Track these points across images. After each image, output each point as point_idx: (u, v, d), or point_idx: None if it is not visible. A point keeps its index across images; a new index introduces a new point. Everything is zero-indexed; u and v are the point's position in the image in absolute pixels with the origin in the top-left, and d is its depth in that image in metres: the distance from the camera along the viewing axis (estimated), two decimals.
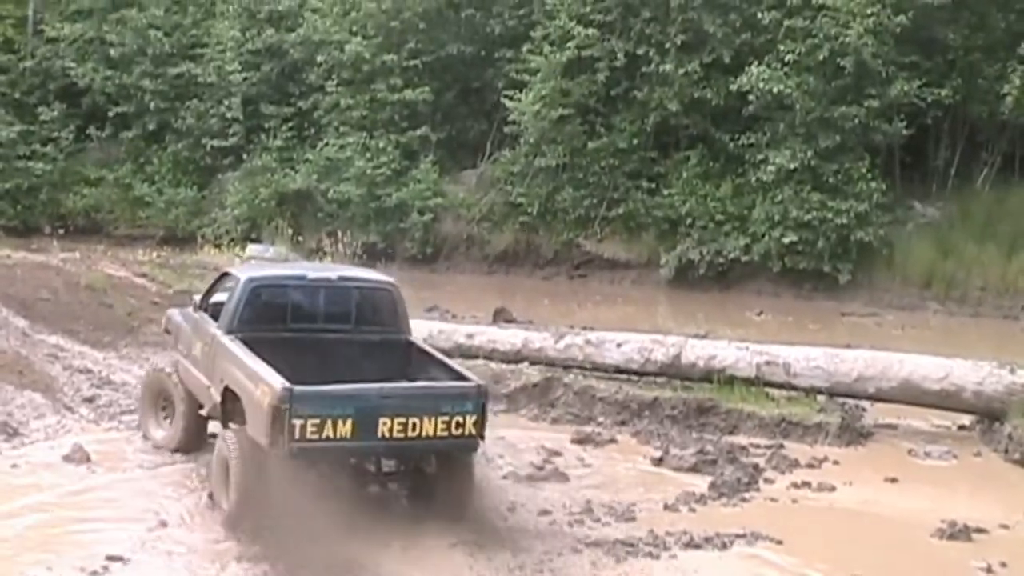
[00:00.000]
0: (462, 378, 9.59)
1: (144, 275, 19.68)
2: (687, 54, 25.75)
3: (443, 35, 28.58)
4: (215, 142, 29.81)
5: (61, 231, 29.34)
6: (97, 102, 31.20)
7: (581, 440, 12.37)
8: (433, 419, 8.94)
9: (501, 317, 17.76)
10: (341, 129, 28.50)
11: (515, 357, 14.66)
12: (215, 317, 10.31)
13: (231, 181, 29.40)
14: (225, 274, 11.29)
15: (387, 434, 8.82)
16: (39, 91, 31.61)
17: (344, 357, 9.84)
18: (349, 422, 8.68)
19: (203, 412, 10.38)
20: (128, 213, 30.78)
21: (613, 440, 12.58)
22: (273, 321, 10.16)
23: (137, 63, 30.53)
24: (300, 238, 27.54)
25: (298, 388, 8.44)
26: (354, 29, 28.60)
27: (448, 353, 12.21)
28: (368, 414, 8.73)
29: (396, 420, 8.83)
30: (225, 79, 29.51)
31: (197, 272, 20.29)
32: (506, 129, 27.38)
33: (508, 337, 15.06)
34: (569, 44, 26.03)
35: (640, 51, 26.13)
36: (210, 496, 9.55)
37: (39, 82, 31.66)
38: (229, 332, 9.81)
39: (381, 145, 27.70)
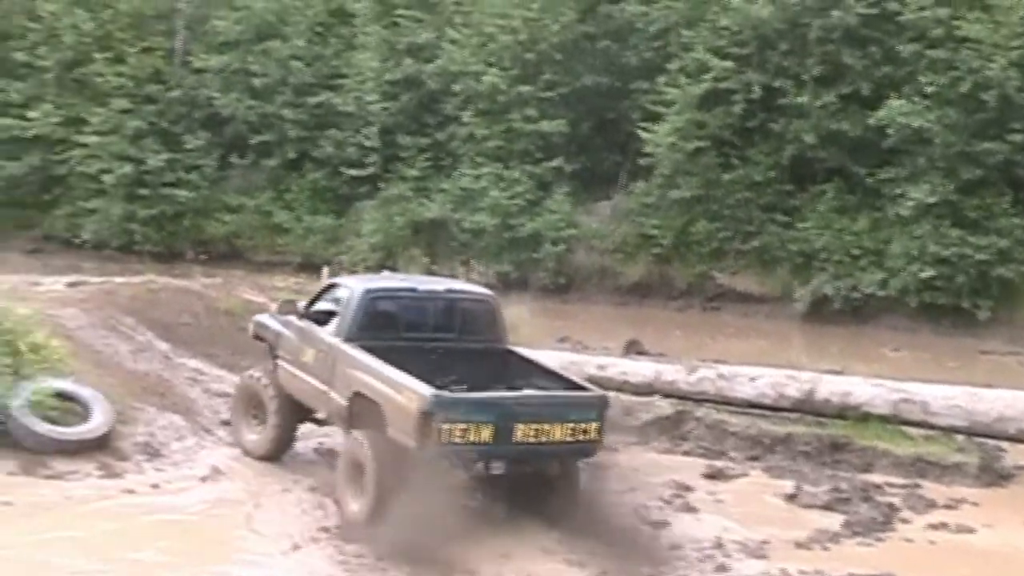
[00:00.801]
0: (576, 386, 11.07)
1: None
2: (824, 86, 27.20)
3: (579, 66, 30.55)
4: (353, 171, 32.22)
5: (203, 257, 32.08)
6: (240, 131, 33.94)
7: (712, 474, 12.70)
8: (562, 426, 10.34)
9: (633, 349, 18.73)
10: (476, 159, 30.69)
11: (647, 389, 15.18)
12: (319, 325, 11.68)
13: (367, 209, 31.79)
14: (332, 285, 12.71)
15: (522, 439, 10.14)
16: (185, 120, 34.53)
17: (451, 364, 11.06)
18: (490, 427, 9.97)
19: (320, 416, 11.86)
20: (267, 240, 33.37)
21: (745, 475, 12.88)
22: (387, 330, 11.47)
23: (279, 93, 33.21)
24: (434, 267, 29.50)
25: (446, 395, 9.76)
26: (491, 60, 30.80)
27: None
28: (506, 420, 10.03)
29: (530, 426, 10.16)
30: (364, 109, 32.04)
31: None
32: (640, 161, 29.16)
33: (640, 369, 15.66)
34: (705, 76, 27.76)
35: (777, 83, 27.67)
36: (336, 503, 10.65)
37: (185, 112, 34.60)
38: (348, 340, 11.10)
39: (516, 176, 29.80)
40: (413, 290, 12.39)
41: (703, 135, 27.77)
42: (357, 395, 10.88)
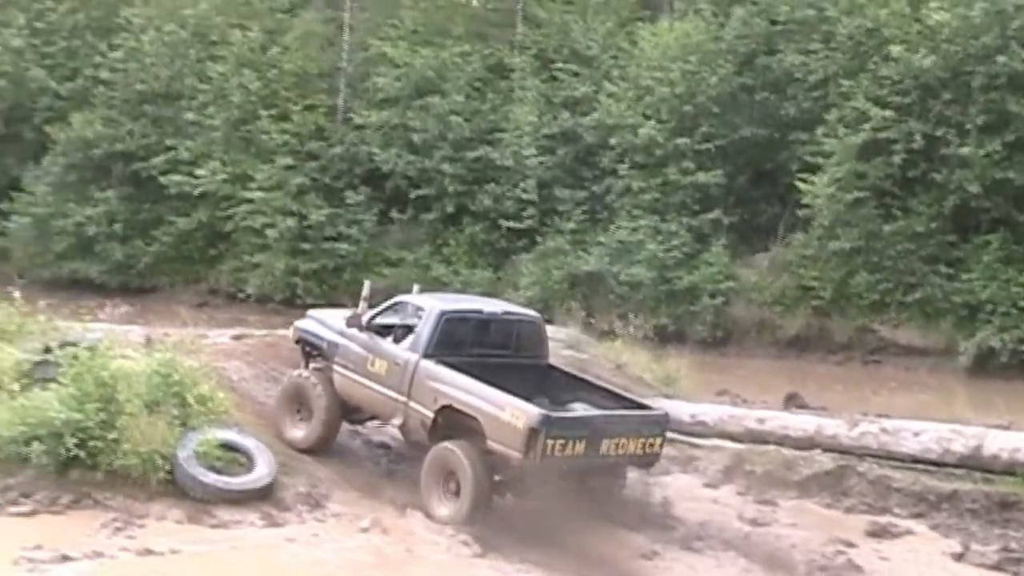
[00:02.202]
0: (635, 404, 14.25)
1: None
2: (989, 135, 29.38)
3: (736, 118, 33.52)
4: (510, 224, 35.43)
5: None
6: (399, 185, 37.54)
7: (876, 532, 13.21)
8: (636, 440, 13.43)
9: (793, 403, 19.47)
10: (633, 212, 33.64)
11: (807, 444, 15.91)
12: (384, 337, 14.53)
13: (525, 263, 34.83)
14: (399, 302, 15.32)
15: (606, 452, 13.15)
16: (346, 176, 38.45)
17: (508, 377, 13.54)
18: (583, 442, 12.83)
19: (394, 423, 14.35)
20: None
21: (910, 533, 13.33)
22: (457, 347, 14.18)
23: (438, 148, 36.67)
24: (592, 320, 31.79)
25: (553, 414, 12.72)
26: (647, 113, 33.93)
27: (739, 438, 16.23)
28: (596, 436, 12.98)
29: (614, 441, 13.20)
30: (521, 162, 35.45)
31: None
32: (799, 212, 31.76)
33: (800, 423, 16.43)
34: (865, 126, 30.27)
35: (939, 132, 29.98)
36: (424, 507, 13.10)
37: (346, 167, 38.56)
38: (427, 356, 13.86)
39: (673, 228, 32.67)
40: (480, 312, 15.34)
41: (863, 185, 30.18)
42: (446, 408, 13.62)
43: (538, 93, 35.98)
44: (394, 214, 37.66)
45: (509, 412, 12.99)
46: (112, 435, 13.96)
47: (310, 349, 15.87)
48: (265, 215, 37.13)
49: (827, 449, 15.58)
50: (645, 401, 14.86)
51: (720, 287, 31.59)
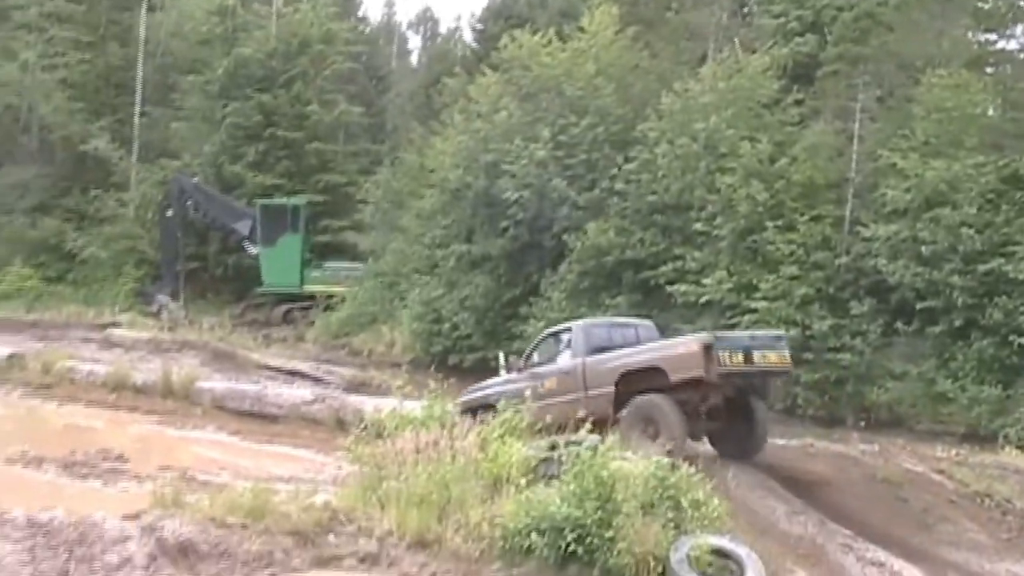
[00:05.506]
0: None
1: (941, 471, 23.20)
2: None
3: None
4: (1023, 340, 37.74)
5: (863, 423, 37.86)
6: (905, 297, 40.80)
7: None
8: (776, 352, 22.25)
9: None
10: None
11: None
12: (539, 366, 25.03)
13: None
14: (546, 336, 26.48)
15: (758, 361, 21.66)
16: (851, 287, 42.59)
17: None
18: (740, 354, 21.33)
19: (580, 416, 19.46)
20: (929, 409, 39.20)
21: None
22: (600, 347, 24.02)
23: (947, 260, 39.66)
24: None
25: (719, 334, 22.91)
26: None
27: None
28: (749, 350, 21.64)
29: (762, 352, 21.88)
30: None
31: (996, 473, 23.77)
32: None
33: None
34: None
35: None
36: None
37: (852, 278, 42.67)
38: (587, 355, 23.77)
39: None
40: (610, 324, 26.27)
41: None
42: (624, 375, 22.13)
43: None
44: (899, 326, 40.63)
45: (683, 346, 21.77)
46: (608, 533, 15.19)
47: (478, 409, 22.73)
48: (769, 324, 40.59)
49: None
50: None
51: None
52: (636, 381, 22.07)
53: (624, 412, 21.76)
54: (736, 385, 22.38)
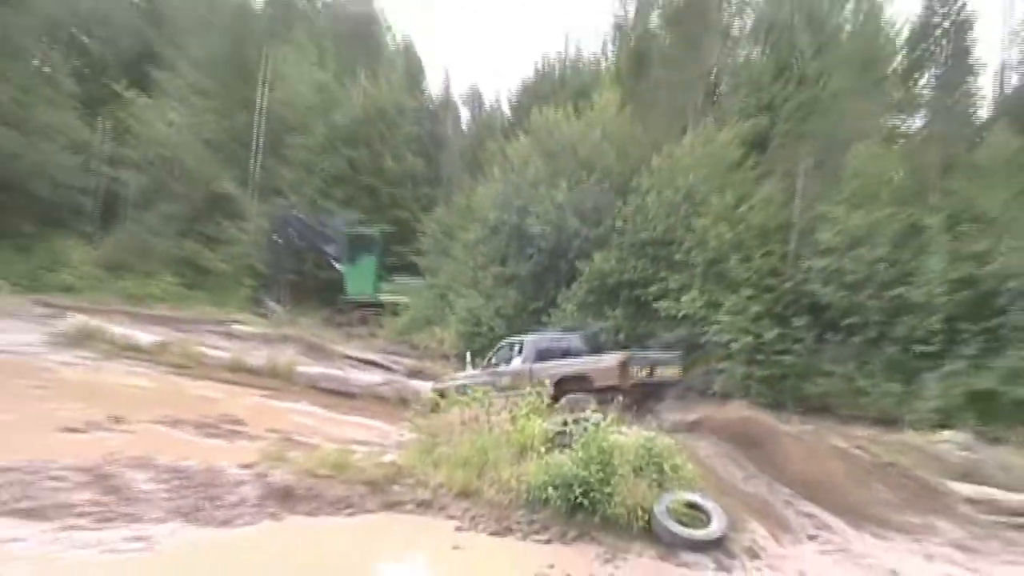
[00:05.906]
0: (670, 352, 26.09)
1: (860, 447, 23.24)
2: None
3: None
4: (920, 347, 37.88)
5: (801, 410, 38.89)
6: (833, 315, 40.89)
7: None
8: (671, 368, 24.88)
9: None
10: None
11: None
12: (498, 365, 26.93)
13: (933, 380, 37.12)
14: (502, 346, 27.69)
15: (658, 375, 23.41)
16: (793, 306, 42.62)
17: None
18: (647, 368, 22.95)
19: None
20: (850, 399, 39.28)
21: None
22: (542, 356, 26.25)
23: (865, 287, 39.79)
24: (982, 429, 33.96)
25: (631, 353, 23.34)
26: None
27: None
28: (652, 365, 23.19)
29: (661, 368, 23.37)
30: (930, 301, 37.92)
31: (899, 448, 23.78)
32: None
33: None
34: None
35: None
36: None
37: (793, 299, 42.70)
38: (534, 361, 25.64)
39: None
40: (551, 338, 27.80)
41: None
42: (562, 378, 23.82)
43: (946, 249, 38.55)
44: (828, 336, 40.69)
45: (607, 360, 23.56)
46: (607, 490, 15.53)
47: (445, 392, 23.95)
48: (729, 333, 41.64)
49: None
50: None
51: None
52: (570, 383, 24.19)
53: (560, 403, 23.21)
54: (641, 391, 23.87)
